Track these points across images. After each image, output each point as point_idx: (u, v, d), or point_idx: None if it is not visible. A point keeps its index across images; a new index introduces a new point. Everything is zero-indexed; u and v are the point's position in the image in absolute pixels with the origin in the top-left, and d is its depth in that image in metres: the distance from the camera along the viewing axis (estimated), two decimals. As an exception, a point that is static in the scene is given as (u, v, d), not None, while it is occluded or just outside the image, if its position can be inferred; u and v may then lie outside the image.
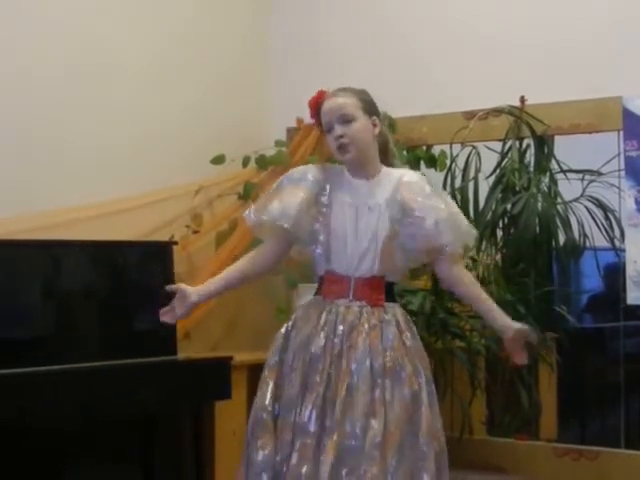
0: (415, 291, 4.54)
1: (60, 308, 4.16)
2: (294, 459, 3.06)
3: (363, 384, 3.08)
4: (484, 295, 3.34)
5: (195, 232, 4.85)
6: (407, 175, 3.30)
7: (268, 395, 3.18)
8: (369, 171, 3.24)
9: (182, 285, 3.24)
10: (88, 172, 4.67)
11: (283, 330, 3.27)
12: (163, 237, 4.66)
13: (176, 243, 4.60)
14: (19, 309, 4.05)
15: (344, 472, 3.02)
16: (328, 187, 3.24)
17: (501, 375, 4.87)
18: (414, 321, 4.39)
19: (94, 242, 4.31)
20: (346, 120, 3.17)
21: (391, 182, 3.25)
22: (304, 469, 3.04)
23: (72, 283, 4.24)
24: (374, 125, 3.24)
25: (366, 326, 3.16)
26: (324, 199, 3.23)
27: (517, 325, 3.28)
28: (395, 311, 3.25)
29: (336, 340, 3.13)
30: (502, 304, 4.60)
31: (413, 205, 3.20)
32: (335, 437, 3.03)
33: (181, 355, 4.38)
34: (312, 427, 3.06)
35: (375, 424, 3.05)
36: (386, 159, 3.32)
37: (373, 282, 3.22)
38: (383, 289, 3.24)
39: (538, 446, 4.69)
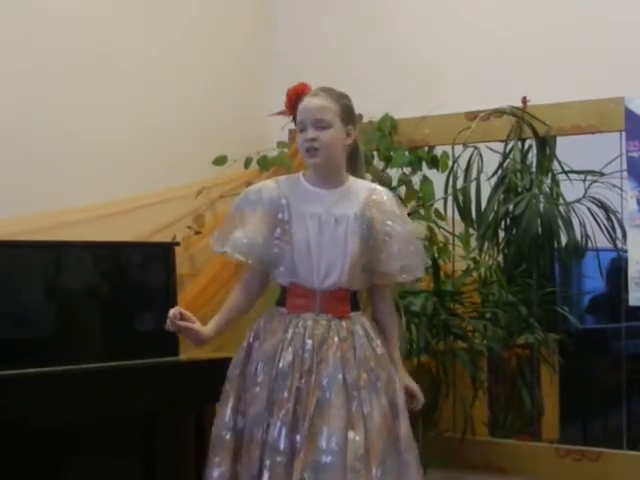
0: (417, 292, 4.54)
1: (62, 309, 4.16)
2: (265, 477, 3.03)
3: (337, 399, 3.05)
4: (394, 339, 3.33)
5: (197, 233, 4.85)
6: (377, 192, 3.27)
7: (228, 412, 3.18)
8: (334, 180, 3.21)
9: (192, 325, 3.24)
10: (89, 172, 4.66)
11: (245, 343, 3.25)
12: (165, 238, 4.66)
13: (178, 244, 4.61)
14: (21, 310, 4.06)
15: None
16: (284, 201, 3.19)
17: (503, 376, 4.89)
18: (416, 322, 4.45)
19: (96, 243, 4.32)
20: (322, 126, 3.13)
21: (359, 195, 3.23)
22: None
23: (74, 284, 4.24)
24: (348, 135, 3.20)
25: (336, 339, 3.14)
26: (283, 216, 3.18)
27: (412, 385, 3.31)
28: (362, 320, 3.23)
29: (306, 355, 3.10)
30: (504, 305, 4.67)
31: (381, 228, 3.20)
32: (302, 454, 2.99)
33: (183, 356, 4.38)
34: (282, 445, 3.03)
35: (356, 437, 3.02)
36: (354, 170, 3.28)
37: (339, 294, 3.19)
38: (349, 300, 3.21)
39: (540, 447, 4.68)
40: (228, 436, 3.15)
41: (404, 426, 3.15)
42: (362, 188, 3.26)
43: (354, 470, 2.99)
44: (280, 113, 3.32)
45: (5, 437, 3.77)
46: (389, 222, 3.23)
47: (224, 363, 4.26)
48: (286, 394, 3.07)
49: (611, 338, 5.30)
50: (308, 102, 3.17)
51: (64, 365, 3.95)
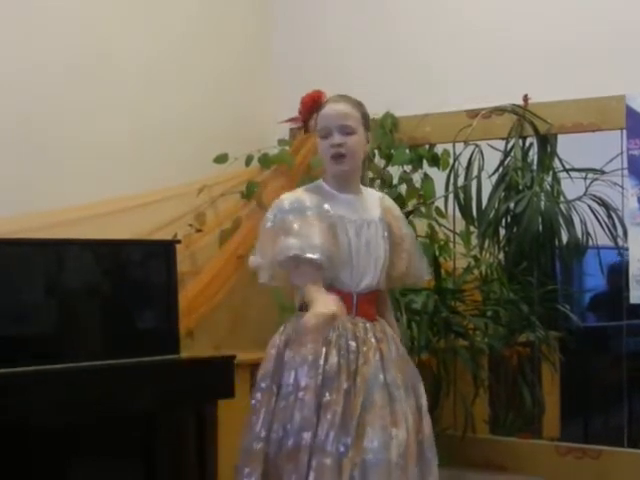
0: (418, 290, 4.54)
1: (63, 307, 4.15)
2: (311, 478, 3.01)
3: (379, 398, 3.08)
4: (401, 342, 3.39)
5: (198, 231, 4.84)
6: (386, 199, 3.36)
7: (260, 423, 3.13)
8: (354, 186, 3.23)
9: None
10: (89, 171, 4.66)
11: (273, 351, 3.20)
12: (166, 236, 4.65)
13: (179, 242, 4.59)
14: (22, 308, 4.05)
15: None
16: (327, 206, 3.17)
17: (504, 374, 4.89)
18: (417, 320, 4.45)
19: (97, 241, 4.31)
20: (347, 132, 3.14)
21: (375, 202, 3.28)
22: None
23: (75, 282, 4.23)
24: (367, 141, 3.23)
25: (373, 340, 3.17)
26: (329, 220, 3.15)
27: None
28: (385, 323, 3.29)
29: (351, 357, 3.11)
30: (505, 303, 4.67)
31: (398, 232, 3.28)
32: (351, 454, 3.00)
33: (184, 354, 4.37)
34: (329, 447, 3.02)
35: (399, 434, 3.05)
36: (362, 177, 3.32)
37: (371, 296, 3.23)
38: (376, 303, 3.27)
39: (541, 445, 4.68)
40: (259, 446, 3.10)
41: (427, 426, 3.20)
42: (372, 195, 3.33)
43: (398, 467, 3.02)
44: (291, 120, 3.34)
45: (5, 437, 3.76)
46: (401, 226, 3.32)
47: (225, 361, 4.31)
48: (335, 396, 3.05)
49: (612, 336, 5.30)
50: (332, 108, 3.17)
51: (65, 363, 3.93)
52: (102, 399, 3.91)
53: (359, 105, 3.22)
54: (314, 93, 3.24)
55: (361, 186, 3.29)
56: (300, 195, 3.21)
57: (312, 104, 3.22)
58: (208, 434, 4.38)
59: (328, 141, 3.14)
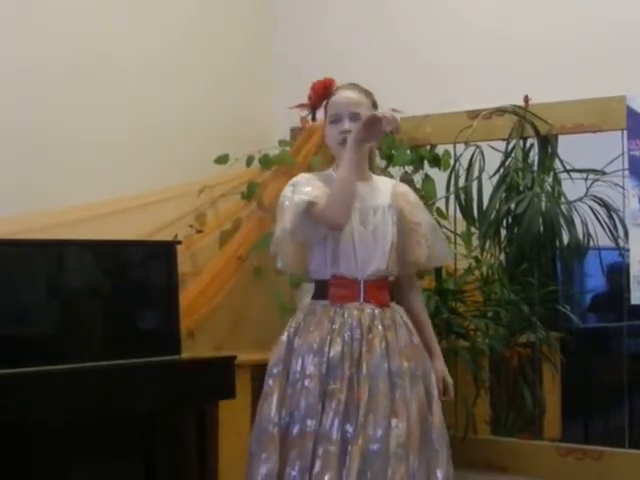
0: (419, 291, 4.54)
1: (64, 308, 4.15)
2: (317, 467, 3.04)
3: (383, 386, 3.09)
4: (429, 327, 3.40)
5: (199, 231, 4.84)
6: (400, 185, 3.40)
7: (274, 407, 3.15)
8: (363, 174, 3.25)
9: None
10: (89, 172, 4.66)
11: (284, 337, 3.24)
12: (167, 236, 4.65)
13: (180, 242, 4.59)
14: (22, 309, 4.05)
15: (369, 475, 3.01)
16: None
17: (505, 375, 4.89)
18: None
19: (98, 241, 4.31)
20: (358, 118, 3.17)
21: (386, 189, 3.30)
22: (326, 477, 3.02)
23: (76, 283, 4.23)
24: None
25: (380, 327, 3.17)
26: None
27: (448, 377, 3.35)
28: (401, 311, 3.29)
29: (355, 344, 3.13)
30: (506, 304, 4.67)
31: (410, 217, 3.30)
32: (360, 441, 3.02)
33: (185, 355, 4.37)
34: (334, 435, 3.04)
35: (399, 424, 3.06)
36: (370, 166, 3.35)
37: (380, 283, 3.24)
38: (388, 290, 3.28)
39: (542, 446, 4.67)
40: (275, 430, 3.12)
41: (437, 417, 3.19)
42: (385, 182, 3.36)
43: (396, 456, 3.03)
44: (301, 106, 3.36)
45: (5, 437, 3.76)
46: (416, 212, 3.33)
47: (226, 362, 4.31)
48: (339, 384, 3.08)
49: (613, 337, 5.31)
50: (343, 95, 3.23)
51: (65, 364, 3.93)
52: (103, 399, 3.91)
53: (369, 94, 3.27)
54: (326, 80, 3.29)
55: (371, 174, 3.32)
56: (312, 175, 3.29)
57: (324, 90, 3.27)
58: (208, 434, 4.38)
59: (338, 127, 3.19)
